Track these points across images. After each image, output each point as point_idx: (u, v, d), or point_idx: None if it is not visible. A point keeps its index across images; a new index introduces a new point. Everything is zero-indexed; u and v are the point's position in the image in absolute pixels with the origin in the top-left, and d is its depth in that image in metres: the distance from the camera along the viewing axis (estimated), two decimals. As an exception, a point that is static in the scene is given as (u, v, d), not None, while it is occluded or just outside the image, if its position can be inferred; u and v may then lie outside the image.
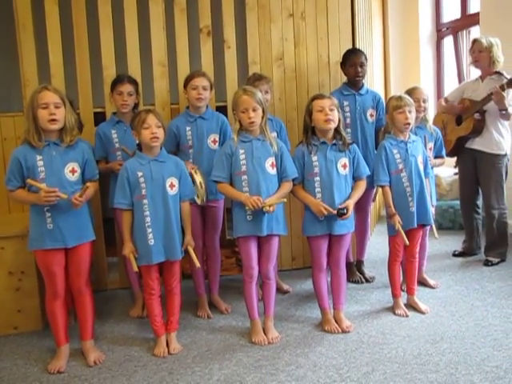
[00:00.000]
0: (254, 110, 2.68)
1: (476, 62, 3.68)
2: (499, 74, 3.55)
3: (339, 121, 2.80)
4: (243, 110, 2.68)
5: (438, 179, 4.75)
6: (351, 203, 2.78)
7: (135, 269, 2.64)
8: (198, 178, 2.93)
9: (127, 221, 2.67)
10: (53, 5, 3.37)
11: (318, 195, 2.79)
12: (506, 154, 3.68)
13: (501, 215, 3.73)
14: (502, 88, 3.39)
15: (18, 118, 3.39)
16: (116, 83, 3.12)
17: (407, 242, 2.94)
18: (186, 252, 2.74)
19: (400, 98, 2.97)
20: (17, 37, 3.35)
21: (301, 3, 3.69)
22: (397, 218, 2.94)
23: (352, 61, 3.37)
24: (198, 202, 2.96)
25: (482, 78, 3.72)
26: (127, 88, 3.10)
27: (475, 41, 3.66)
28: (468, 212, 3.95)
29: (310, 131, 2.83)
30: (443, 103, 3.92)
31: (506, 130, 3.67)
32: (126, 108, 3.10)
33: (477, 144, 3.69)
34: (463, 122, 3.71)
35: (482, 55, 3.61)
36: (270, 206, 2.64)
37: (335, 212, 2.72)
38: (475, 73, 3.87)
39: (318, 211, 2.74)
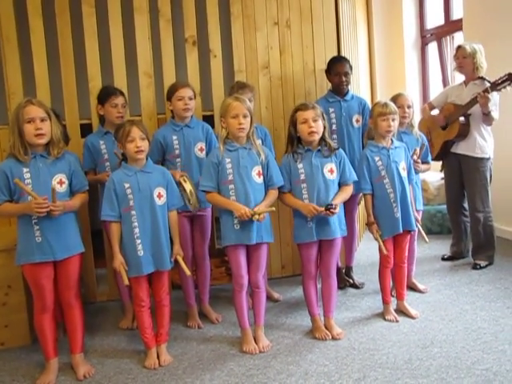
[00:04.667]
0: (245, 117, 2.69)
1: (460, 68, 3.74)
2: (482, 79, 3.62)
3: (324, 128, 2.82)
4: (234, 115, 2.68)
5: (425, 184, 4.79)
6: (337, 202, 2.78)
7: (126, 282, 2.62)
8: (188, 187, 2.92)
9: (116, 233, 2.66)
10: (37, 17, 3.36)
11: (306, 201, 2.80)
12: (489, 158, 3.74)
13: (486, 218, 3.77)
14: (487, 91, 3.45)
15: (2, 132, 3.36)
16: (109, 96, 3.10)
17: (385, 251, 2.97)
18: (176, 262, 2.73)
19: (385, 104, 3.00)
20: (0, 49, 3.34)
21: (285, 11, 3.71)
22: (375, 227, 2.97)
23: (336, 70, 3.40)
24: (191, 208, 2.95)
25: (465, 83, 3.78)
26: (121, 100, 3.12)
27: (459, 47, 3.72)
28: (455, 215, 3.99)
29: (295, 141, 2.85)
30: (427, 108, 3.97)
31: (489, 134, 3.73)
32: (120, 120, 3.09)
33: (461, 148, 3.75)
34: (448, 127, 3.76)
35: (465, 61, 3.67)
36: (259, 214, 2.64)
37: (323, 209, 2.73)
38: (460, 77, 3.92)
39: (308, 211, 2.74)
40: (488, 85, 3.51)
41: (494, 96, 3.55)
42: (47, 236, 2.50)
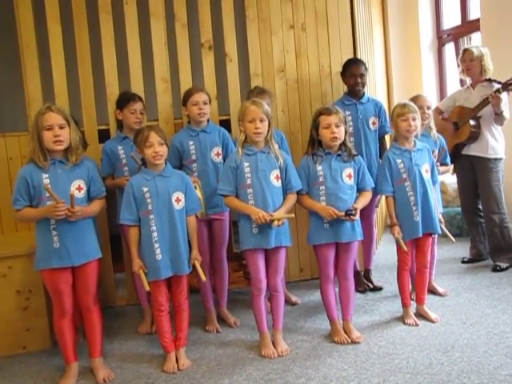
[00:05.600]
0: (261, 121, 2.69)
1: (468, 71, 3.78)
2: (490, 80, 3.64)
3: (345, 133, 2.82)
4: (250, 119, 2.68)
5: (444, 186, 4.74)
6: (358, 207, 2.78)
7: (147, 288, 2.63)
8: (198, 193, 2.93)
9: (134, 237, 2.67)
10: (55, 24, 3.41)
11: (322, 203, 2.79)
12: (501, 158, 3.74)
13: (502, 220, 3.75)
14: (498, 91, 3.47)
15: (23, 138, 3.41)
16: (128, 101, 3.14)
17: (405, 248, 2.95)
18: (193, 267, 2.74)
19: (404, 105, 2.98)
20: (20, 57, 3.39)
21: (301, 15, 3.71)
22: (396, 229, 2.96)
23: (351, 71, 3.39)
24: (198, 215, 2.96)
25: (472, 86, 3.81)
26: (140, 106, 3.16)
27: (466, 50, 3.77)
28: (471, 218, 3.96)
29: (316, 143, 2.84)
30: (435, 113, 3.95)
31: (500, 134, 3.73)
32: (139, 125, 3.13)
33: (473, 150, 3.75)
34: (459, 129, 3.77)
35: (473, 64, 3.71)
36: (278, 220, 2.64)
37: (343, 214, 2.72)
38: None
39: (327, 215, 2.73)
40: (497, 86, 3.52)
41: (504, 96, 3.56)
42: (65, 241, 2.53)
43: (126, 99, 3.16)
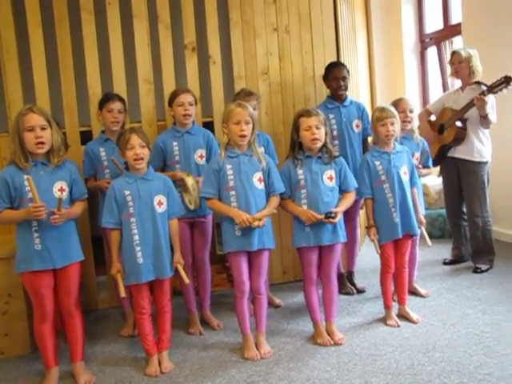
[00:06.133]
0: (247, 123, 2.69)
1: (456, 73, 3.77)
2: (479, 83, 3.63)
3: (326, 134, 2.82)
4: (236, 121, 2.68)
5: (426, 188, 4.78)
6: (339, 210, 2.80)
7: (122, 293, 2.60)
8: (190, 181, 2.93)
9: (115, 240, 2.66)
10: (36, 26, 3.37)
11: (304, 207, 2.80)
12: (487, 162, 3.74)
13: (485, 223, 3.77)
14: (483, 94, 3.47)
15: (2, 139, 3.36)
16: (106, 101, 3.13)
17: (378, 251, 2.99)
18: (176, 270, 2.72)
19: (383, 109, 3.00)
20: (0, 58, 3.34)
21: (284, 17, 3.72)
22: (373, 231, 3.00)
23: (334, 74, 3.41)
24: (191, 207, 2.95)
25: (462, 88, 3.80)
26: (117, 105, 3.12)
27: (454, 53, 3.76)
28: (455, 220, 3.99)
29: (297, 147, 2.85)
30: (424, 115, 3.99)
31: (487, 137, 3.74)
32: (116, 125, 3.11)
33: (458, 152, 3.75)
34: (445, 131, 3.77)
35: (461, 66, 3.70)
36: (259, 220, 2.64)
37: (323, 217, 2.73)
38: (458, 82, 3.93)
39: (306, 219, 2.75)
40: (485, 88, 3.52)
41: (491, 99, 3.57)
42: (47, 244, 2.50)
43: (104, 99, 3.15)
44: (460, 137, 3.69)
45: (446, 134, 3.77)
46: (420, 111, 4.93)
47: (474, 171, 3.72)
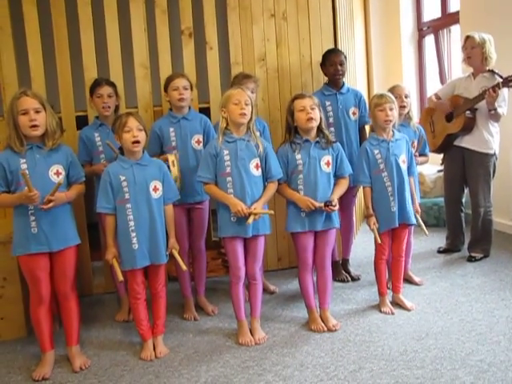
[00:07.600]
0: (247, 104, 2.68)
1: (468, 59, 3.63)
2: (492, 72, 3.52)
3: (321, 119, 2.82)
4: (236, 101, 2.67)
5: (422, 177, 4.79)
6: (335, 198, 2.80)
7: (120, 278, 2.60)
8: (175, 172, 2.90)
9: (111, 225, 2.65)
10: (31, 6, 3.33)
11: (301, 192, 2.80)
12: (494, 153, 3.67)
13: (486, 213, 3.74)
14: (498, 86, 3.35)
15: (-2, 123, 3.34)
16: (95, 87, 3.12)
17: (379, 240, 2.98)
18: (171, 255, 2.73)
19: (381, 95, 2.99)
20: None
21: (282, 4, 3.69)
22: (372, 220, 2.98)
23: (331, 60, 3.39)
24: (177, 185, 2.91)
25: (474, 75, 3.67)
26: (106, 90, 3.10)
27: (468, 37, 3.61)
28: (453, 209, 3.96)
29: (292, 130, 2.84)
30: (433, 98, 3.89)
31: (496, 129, 3.66)
32: (107, 110, 3.10)
33: (466, 142, 3.68)
34: (454, 119, 3.69)
35: (474, 51, 3.57)
36: (256, 215, 2.64)
37: (322, 205, 2.73)
38: (456, 71, 3.89)
39: (305, 206, 2.75)
40: (499, 79, 3.41)
41: (504, 91, 3.48)
42: (43, 227, 2.50)
43: (92, 85, 3.14)
44: (468, 127, 3.61)
45: (454, 123, 3.67)
46: (417, 99, 4.92)
47: (480, 162, 3.65)
